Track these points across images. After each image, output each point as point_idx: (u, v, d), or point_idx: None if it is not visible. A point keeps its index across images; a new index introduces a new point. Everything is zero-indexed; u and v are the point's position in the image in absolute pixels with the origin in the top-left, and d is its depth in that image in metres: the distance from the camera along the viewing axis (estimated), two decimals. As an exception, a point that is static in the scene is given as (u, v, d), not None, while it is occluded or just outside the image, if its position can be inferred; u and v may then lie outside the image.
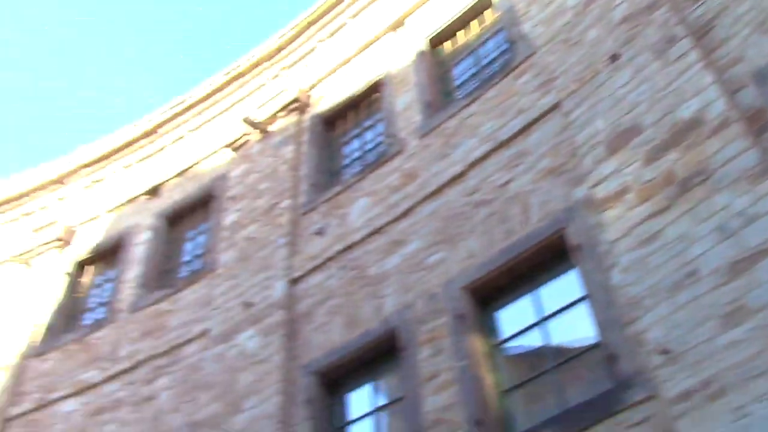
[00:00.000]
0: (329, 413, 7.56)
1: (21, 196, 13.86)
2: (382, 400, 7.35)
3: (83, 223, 12.85)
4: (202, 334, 9.26)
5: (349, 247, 8.51)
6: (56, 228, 12.80)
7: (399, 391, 7.08)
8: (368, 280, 7.99)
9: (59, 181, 13.67)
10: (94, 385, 9.95)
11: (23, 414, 10.44)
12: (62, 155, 13.68)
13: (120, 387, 9.65)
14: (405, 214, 8.22)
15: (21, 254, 12.75)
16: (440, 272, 7.33)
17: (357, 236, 8.52)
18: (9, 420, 10.48)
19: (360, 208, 8.81)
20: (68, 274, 12.19)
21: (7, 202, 13.97)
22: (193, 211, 11.71)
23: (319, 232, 9.02)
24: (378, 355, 7.49)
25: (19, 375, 10.96)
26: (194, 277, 10.23)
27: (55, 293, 11.95)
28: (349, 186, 9.23)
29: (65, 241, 12.62)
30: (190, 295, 10.00)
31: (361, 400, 7.56)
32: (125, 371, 9.76)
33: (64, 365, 10.61)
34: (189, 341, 9.39)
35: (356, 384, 7.62)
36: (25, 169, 13.92)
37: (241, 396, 8.03)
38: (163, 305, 10.19)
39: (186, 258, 11.16)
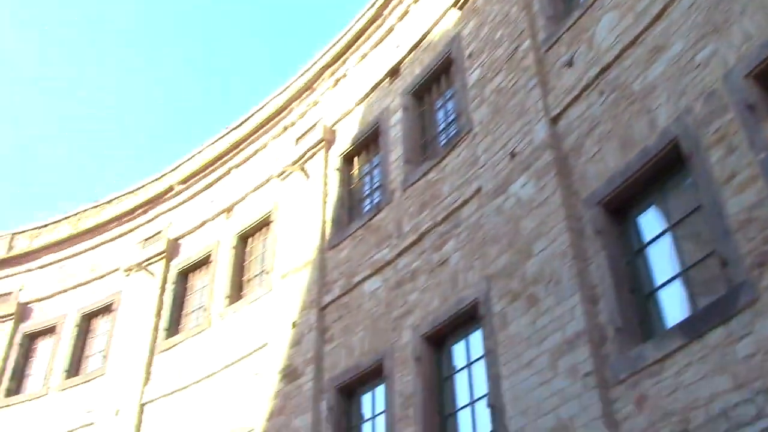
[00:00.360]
0: (622, 240, 7.34)
1: (280, 111, 14.86)
2: (676, 216, 6.94)
3: (339, 120, 13.49)
4: (476, 193, 9.38)
5: (604, 69, 7.99)
6: (317, 131, 13.59)
7: (693, 201, 6.64)
8: (634, 97, 7.47)
9: (308, 87, 14.43)
10: (389, 262, 10.60)
11: (334, 300, 11.49)
12: (307, 60, 14.38)
13: (413, 259, 10.19)
14: (659, 16, 7.50)
15: (293, 162, 13.74)
16: (715, 66, 6.62)
17: (610, 56, 7.96)
18: (323, 308, 11.61)
19: (606, 26, 8.19)
20: (338, 169, 12.95)
21: (268, 121, 15.06)
22: (437, 80, 11.73)
23: (569, 63, 8.57)
24: (661, 171, 7.05)
25: (322, 268, 12.01)
26: (454, 141, 10.33)
27: (332, 189, 12.78)
28: (588, 6, 8.59)
29: (328, 141, 13.37)
30: (454, 159, 10.14)
31: (651, 220, 7.22)
32: (413, 244, 10.26)
33: (357, 250, 11.42)
34: (465, 203, 9.57)
35: (644, 206, 7.27)
36: (278, 87, 14.87)
37: (529, 242, 8.06)
38: (432, 175, 10.46)
39: (441, 126, 11.28)
